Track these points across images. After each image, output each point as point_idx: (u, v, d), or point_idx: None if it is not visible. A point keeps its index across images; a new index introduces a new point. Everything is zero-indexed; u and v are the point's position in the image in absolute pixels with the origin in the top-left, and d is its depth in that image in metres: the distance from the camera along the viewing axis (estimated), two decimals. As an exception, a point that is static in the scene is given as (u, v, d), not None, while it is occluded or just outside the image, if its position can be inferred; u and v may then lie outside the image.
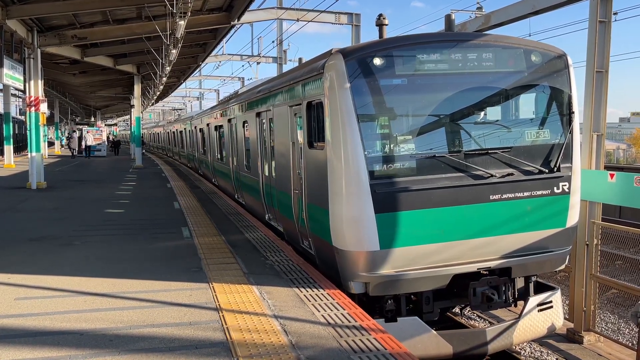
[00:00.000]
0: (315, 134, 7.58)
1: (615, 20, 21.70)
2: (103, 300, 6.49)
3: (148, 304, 6.36)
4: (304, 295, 6.56)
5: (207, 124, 20.17)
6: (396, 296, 7.05)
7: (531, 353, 9.01)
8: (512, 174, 7.05)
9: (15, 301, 6.48)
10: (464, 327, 9.23)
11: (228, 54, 37.61)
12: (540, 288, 7.95)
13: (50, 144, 61.53)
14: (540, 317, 7.62)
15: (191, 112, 46.19)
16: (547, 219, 7.30)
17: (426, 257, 6.80)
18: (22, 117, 45.80)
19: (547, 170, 7.24)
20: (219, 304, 6.26)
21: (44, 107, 20.10)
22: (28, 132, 20.26)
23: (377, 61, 6.73)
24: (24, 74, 19.27)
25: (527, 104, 7.52)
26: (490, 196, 6.95)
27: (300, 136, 8.28)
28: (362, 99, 6.66)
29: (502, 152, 7.09)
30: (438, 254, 6.84)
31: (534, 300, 7.61)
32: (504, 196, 7.01)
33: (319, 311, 5.98)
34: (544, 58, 7.41)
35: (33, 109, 19.44)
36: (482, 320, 10.33)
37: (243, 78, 43.49)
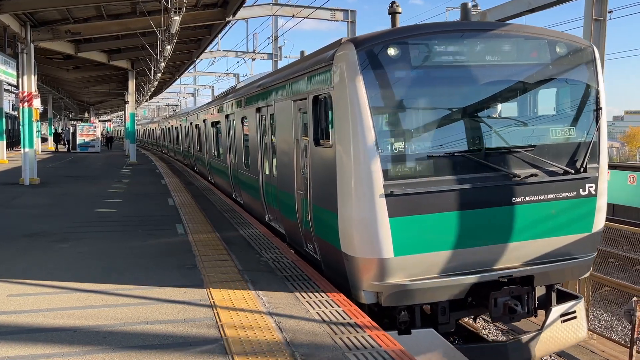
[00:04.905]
0: (323, 130, 7.10)
1: (610, 19, 21.76)
2: (96, 297, 6.46)
3: (142, 300, 6.34)
4: (299, 292, 6.55)
5: (204, 120, 19.81)
6: (410, 306, 6.56)
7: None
8: (536, 175, 6.54)
9: (7, 298, 6.43)
10: (477, 336, 8.66)
11: (223, 50, 37.61)
12: (562, 296, 7.48)
13: (44, 139, 61.23)
14: (563, 328, 7.13)
15: (186, 108, 46.05)
16: (572, 223, 6.82)
17: (443, 264, 6.31)
18: (15, 113, 45.52)
19: (573, 171, 6.72)
20: (213, 301, 6.24)
21: (37, 103, 19.97)
22: (21, 127, 20.14)
23: (392, 51, 6.21)
24: (17, 69, 19.14)
25: (551, 99, 7.07)
26: (513, 199, 6.46)
27: (305, 133, 7.80)
28: (375, 92, 6.14)
29: (525, 150, 6.58)
30: (456, 261, 6.35)
31: (557, 310, 7.12)
32: (527, 199, 6.51)
33: (314, 308, 5.97)
34: (569, 49, 6.90)
35: (26, 104, 19.32)
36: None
37: (238, 74, 43.52)
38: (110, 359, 4.76)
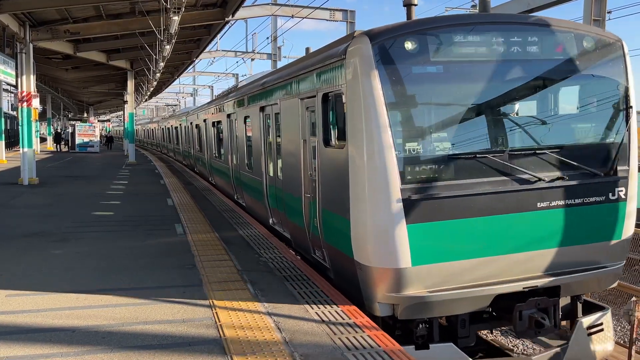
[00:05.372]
0: (333, 130, 6.69)
1: (610, 19, 21.80)
2: (95, 297, 6.45)
3: (141, 300, 6.33)
4: (298, 292, 6.54)
5: (204, 120, 19.54)
6: (427, 319, 6.17)
7: (524, 350, 9.05)
8: (562, 178, 6.14)
9: (6, 298, 6.42)
10: (494, 347, 8.22)
11: (222, 50, 37.68)
12: (588, 307, 7.09)
13: (43, 139, 61.27)
14: (589, 341, 6.72)
15: (186, 107, 46.08)
16: (600, 229, 6.43)
17: (465, 274, 5.91)
18: (14, 113, 45.55)
19: (601, 174, 6.31)
20: (212, 301, 6.23)
21: (36, 103, 19.98)
22: (20, 127, 20.13)
23: (409, 45, 5.80)
24: (16, 68, 19.12)
25: (578, 97, 6.68)
26: (538, 204, 6.07)
27: (314, 133, 7.40)
28: (392, 88, 5.72)
29: (550, 152, 6.19)
30: (478, 270, 5.95)
31: (584, 322, 6.69)
32: (553, 203, 6.12)
33: (313, 308, 5.97)
34: (597, 44, 6.50)
35: (25, 104, 19.32)
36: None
37: (237, 74, 43.58)
38: (109, 359, 4.76)
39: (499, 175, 5.96)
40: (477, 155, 5.91)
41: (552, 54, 6.36)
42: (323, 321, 5.58)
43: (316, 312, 5.84)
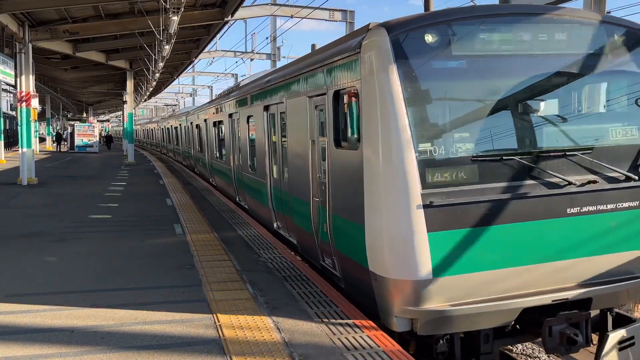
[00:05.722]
0: (346, 130, 6.27)
1: (608, 19, 21.80)
2: (94, 297, 6.45)
3: (140, 301, 6.32)
4: (297, 292, 6.54)
5: (205, 120, 19.29)
6: (448, 334, 5.74)
7: (523, 350, 9.05)
8: (595, 182, 5.70)
9: (5, 298, 6.42)
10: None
11: (221, 50, 37.78)
12: (617, 319, 6.63)
13: (42, 139, 61.24)
14: (620, 356, 6.25)
15: (185, 107, 46.08)
16: (635, 237, 5.98)
17: (489, 286, 5.46)
18: (14, 113, 45.52)
19: (636, 177, 5.87)
20: (211, 302, 6.23)
21: (35, 103, 19.99)
22: (19, 127, 20.12)
23: (430, 38, 5.40)
24: (15, 68, 19.12)
25: (612, 95, 6.26)
26: (568, 209, 5.63)
27: (323, 133, 7.02)
28: (411, 85, 5.32)
29: (581, 153, 5.75)
30: (504, 282, 5.51)
31: (615, 336, 6.14)
32: (584, 209, 5.69)
33: (312, 308, 5.97)
34: (631, 37, 6.04)
35: (24, 104, 19.31)
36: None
37: (236, 74, 43.64)
38: (108, 359, 4.75)
39: (526, 178, 5.54)
40: (503, 158, 5.49)
41: (583, 48, 5.93)
42: (322, 321, 5.58)
43: (315, 312, 5.83)
